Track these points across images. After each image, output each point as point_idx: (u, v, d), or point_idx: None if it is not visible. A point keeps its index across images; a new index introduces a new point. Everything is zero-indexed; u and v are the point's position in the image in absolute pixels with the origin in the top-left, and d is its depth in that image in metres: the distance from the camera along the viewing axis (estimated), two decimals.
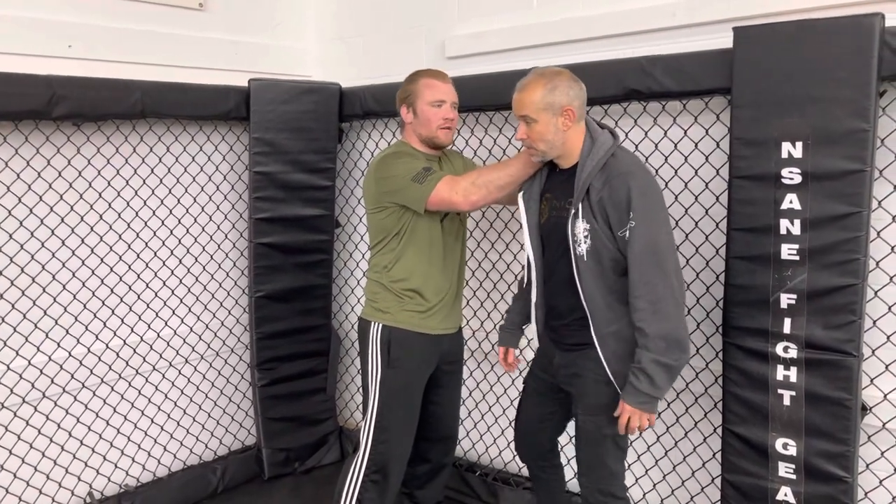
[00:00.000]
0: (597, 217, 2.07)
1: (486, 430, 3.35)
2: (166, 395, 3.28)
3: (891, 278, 2.24)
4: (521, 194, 2.33)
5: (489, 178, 2.33)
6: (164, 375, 3.27)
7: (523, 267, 2.42)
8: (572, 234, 2.11)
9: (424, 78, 2.51)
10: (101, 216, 3.00)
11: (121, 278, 3.09)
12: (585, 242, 2.09)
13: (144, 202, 3.14)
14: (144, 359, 3.18)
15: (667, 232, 2.07)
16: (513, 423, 2.61)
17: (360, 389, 2.69)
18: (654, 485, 2.86)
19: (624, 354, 2.10)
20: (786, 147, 2.18)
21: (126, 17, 3.08)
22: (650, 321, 2.00)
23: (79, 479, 2.99)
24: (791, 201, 2.19)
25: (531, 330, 2.44)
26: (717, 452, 2.57)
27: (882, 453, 2.31)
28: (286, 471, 3.48)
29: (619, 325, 2.11)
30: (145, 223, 3.15)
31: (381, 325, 2.52)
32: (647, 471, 2.87)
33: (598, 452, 2.21)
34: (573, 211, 2.11)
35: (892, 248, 2.24)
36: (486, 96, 2.89)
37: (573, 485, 2.94)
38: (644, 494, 2.88)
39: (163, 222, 3.22)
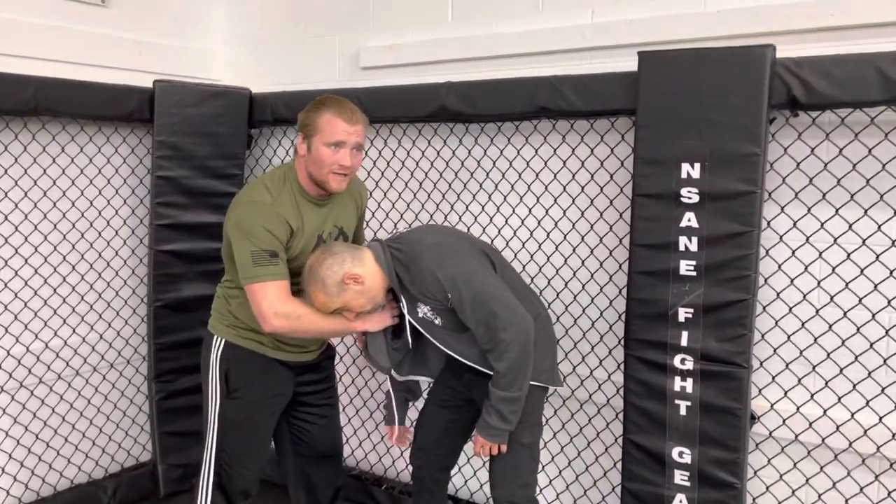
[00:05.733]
0: (429, 298, 2.16)
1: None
2: (53, 410, 3.09)
3: (777, 294, 2.38)
4: (393, 371, 2.42)
5: (315, 322, 2.18)
6: (51, 388, 3.07)
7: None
8: (419, 322, 2.23)
9: (329, 113, 2.14)
10: None
11: (6, 285, 2.90)
12: (437, 318, 2.20)
13: (35, 204, 2.96)
14: (30, 371, 2.99)
15: (472, 272, 2.15)
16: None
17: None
18: (558, 494, 2.91)
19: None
20: (685, 167, 2.28)
21: (21, 8, 2.90)
22: (497, 360, 2.10)
23: None
24: (689, 219, 2.28)
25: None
26: (617, 462, 2.64)
27: (769, 460, 2.44)
28: (183, 487, 3.33)
29: None
30: (35, 227, 2.97)
31: (223, 342, 2.27)
32: (550, 480, 2.91)
33: (513, 463, 2.25)
34: (405, 306, 2.22)
35: (779, 266, 2.37)
36: (400, 109, 2.90)
37: (463, 493, 2.98)
38: (549, 503, 2.94)
39: (55, 226, 3.04)
